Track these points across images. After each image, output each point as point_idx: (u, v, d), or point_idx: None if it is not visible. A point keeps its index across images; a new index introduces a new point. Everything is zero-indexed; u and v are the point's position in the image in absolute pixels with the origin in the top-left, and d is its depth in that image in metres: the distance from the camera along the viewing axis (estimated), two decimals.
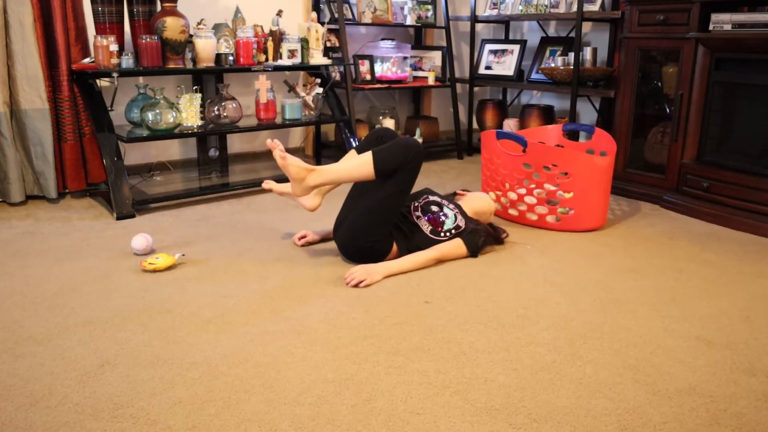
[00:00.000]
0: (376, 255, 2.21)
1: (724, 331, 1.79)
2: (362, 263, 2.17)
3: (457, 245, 2.28)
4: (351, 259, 2.25)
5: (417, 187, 2.32)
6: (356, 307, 1.90)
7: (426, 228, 2.30)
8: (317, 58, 3.48)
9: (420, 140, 4.15)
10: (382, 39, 4.25)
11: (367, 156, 2.09)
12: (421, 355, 1.62)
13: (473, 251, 2.31)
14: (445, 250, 2.26)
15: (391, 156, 2.09)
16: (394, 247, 2.25)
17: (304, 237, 2.47)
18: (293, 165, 2.09)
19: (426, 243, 2.27)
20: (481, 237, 2.34)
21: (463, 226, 2.35)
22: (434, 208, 2.35)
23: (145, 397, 1.42)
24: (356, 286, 2.04)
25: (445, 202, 2.40)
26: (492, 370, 1.56)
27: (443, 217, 2.33)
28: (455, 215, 2.36)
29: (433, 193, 2.46)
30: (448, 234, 2.31)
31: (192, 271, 2.18)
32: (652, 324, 1.83)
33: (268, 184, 2.39)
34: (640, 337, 1.74)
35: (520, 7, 4.13)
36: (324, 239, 2.52)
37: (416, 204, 2.36)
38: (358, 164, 2.11)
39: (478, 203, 2.51)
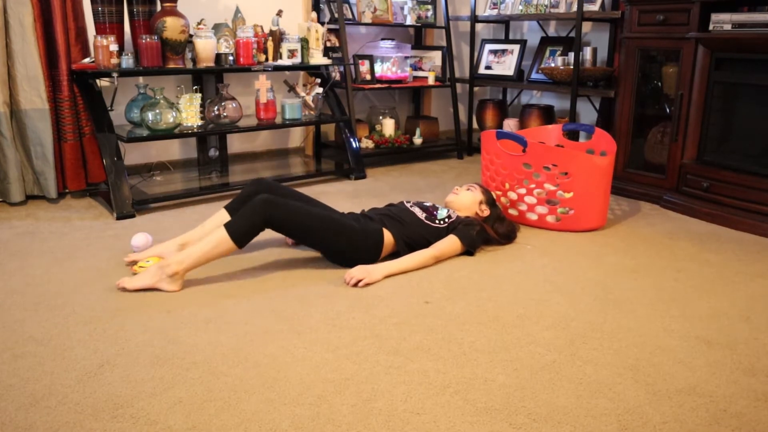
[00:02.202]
0: (370, 253, 2.20)
1: (724, 331, 1.79)
2: (367, 263, 2.17)
3: (453, 241, 2.28)
4: (349, 267, 2.24)
5: (417, 188, 2.32)
6: (356, 307, 1.90)
7: (420, 215, 2.32)
8: (317, 58, 3.48)
9: (420, 140, 4.15)
10: (382, 39, 4.24)
11: (221, 232, 2.01)
12: (421, 355, 1.62)
13: (469, 244, 2.31)
14: (442, 248, 2.26)
15: (244, 221, 2.02)
16: (388, 236, 2.23)
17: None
18: (158, 273, 1.99)
19: (422, 229, 2.28)
20: (476, 229, 2.34)
21: (454, 217, 2.36)
22: (426, 204, 2.41)
23: (145, 397, 1.42)
24: (355, 285, 2.04)
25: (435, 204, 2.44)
26: (492, 370, 1.56)
27: (435, 211, 2.36)
28: (447, 209, 2.40)
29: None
30: (442, 222, 2.32)
31: (192, 271, 2.18)
32: (652, 324, 1.83)
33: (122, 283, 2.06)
34: (640, 337, 1.74)
35: (520, 7, 4.13)
36: None
37: (409, 201, 2.43)
38: (214, 243, 2.00)
39: (462, 199, 2.49)
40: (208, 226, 2.27)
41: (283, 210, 2.05)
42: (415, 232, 2.27)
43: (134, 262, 2.19)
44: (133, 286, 1.99)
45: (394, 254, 2.25)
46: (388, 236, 2.23)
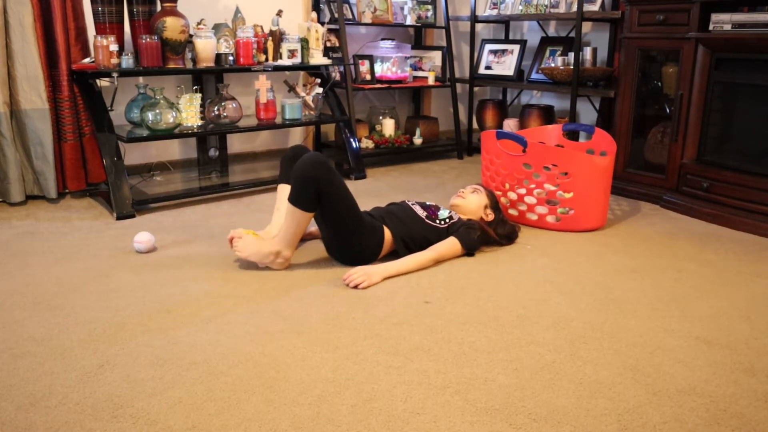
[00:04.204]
0: (371, 251, 2.21)
1: (724, 331, 1.79)
2: (360, 264, 2.17)
3: (453, 243, 2.28)
4: (349, 264, 2.24)
5: (417, 188, 2.32)
6: (356, 307, 1.90)
7: (421, 213, 2.32)
8: (317, 58, 3.48)
9: (420, 140, 4.15)
10: (382, 39, 4.25)
11: (288, 206, 2.09)
12: (421, 355, 1.62)
13: (469, 247, 2.31)
14: (441, 249, 2.26)
15: (300, 190, 2.05)
16: (388, 235, 2.24)
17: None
18: (259, 253, 2.14)
19: (423, 228, 2.28)
20: (477, 232, 2.34)
21: (456, 218, 2.36)
22: (428, 204, 2.41)
23: (145, 397, 1.42)
24: (355, 287, 2.04)
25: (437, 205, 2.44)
26: (492, 370, 1.56)
27: (437, 211, 2.36)
28: (448, 210, 2.40)
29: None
30: (443, 222, 2.32)
31: (192, 271, 2.18)
32: (652, 324, 1.83)
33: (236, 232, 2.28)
34: (640, 337, 1.74)
35: (520, 7, 4.13)
36: (313, 237, 2.53)
37: (410, 200, 2.44)
38: (289, 218, 2.11)
39: (470, 204, 2.49)
40: (280, 206, 2.37)
41: (327, 173, 2.06)
42: (415, 231, 2.27)
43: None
44: (243, 254, 2.15)
45: (392, 253, 2.25)
46: (387, 235, 2.24)
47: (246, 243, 2.16)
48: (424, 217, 2.31)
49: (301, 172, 2.05)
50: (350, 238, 2.18)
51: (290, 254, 2.19)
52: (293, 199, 2.07)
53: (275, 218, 2.40)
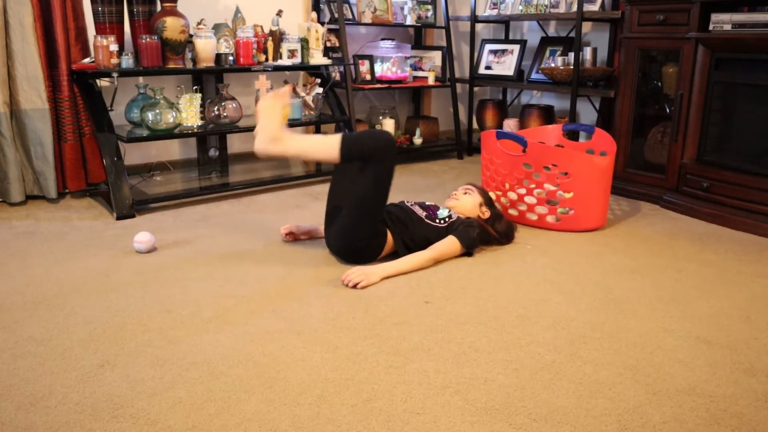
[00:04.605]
0: (372, 251, 2.22)
1: (724, 331, 1.79)
2: (359, 263, 2.17)
3: (452, 242, 2.28)
4: (347, 261, 2.25)
5: (417, 188, 2.32)
6: (356, 307, 1.90)
7: (421, 213, 2.32)
8: (317, 58, 3.48)
9: (420, 140, 4.15)
10: (382, 39, 4.25)
11: (336, 137, 2.08)
12: (421, 355, 1.62)
13: (468, 245, 2.31)
14: (440, 249, 2.25)
15: (358, 140, 2.07)
16: (389, 238, 2.25)
17: (290, 232, 2.48)
18: (268, 128, 2.08)
19: (424, 228, 2.28)
20: (476, 230, 2.34)
21: (455, 218, 2.36)
22: (427, 203, 2.41)
23: (145, 397, 1.42)
24: (353, 287, 2.04)
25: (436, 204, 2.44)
26: (492, 370, 1.56)
27: (436, 210, 2.36)
28: (447, 209, 2.39)
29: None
30: (442, 222, 2.32)
31: (192, 271, 2.18)
32: (652, 324, 1.83)
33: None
34: (640, 337, 1.74)
35: (520, 7, 4.13)
36: (311, 237, 2.53)
37: (409, 200, 2.43)
38: (323, 142, 2.09)
39: (464, 204, 2.49)
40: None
41: (390, 159, 2.09)
42: (417, 233, 2.27)
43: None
44: (260, 115, 2.12)
45: (392, 255, 2.25)
46: (389, 237, 2.24)
47: (269, 113, 2.11)
48: (423, 217, 2.31)
49: (377, 132, 2.07)
50: (358, 228, 2.16)
51: (285, 151, 2.09)
52: (347, 137, 2.06)
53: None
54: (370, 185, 2.12)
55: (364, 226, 2.18)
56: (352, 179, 2.16)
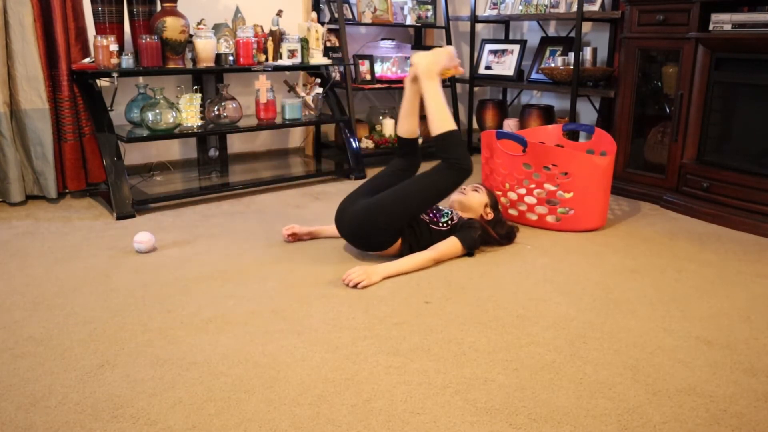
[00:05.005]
0: (380, 243, 2.24)
1: (724, 331, 1.79)
2: (361, 247, 2.20)
3: (453, 243, 2.28)
4: (352, 240, 2.26)
5: None
6: (356, 307, 1.90)
7: (425, 218, 2.33)
8: (317, 58, 3.48)
9: (420, 140, 4.14)
10: (382, 39, 4.25)
11: (450, 120, 2.28)
12: (421, 355, 1.62)
13: (469, 246, 2.31)
14: (441, 249, 2.25)
15: (459, 143, 2.26)
16: (399, 242, 2.26)
17: (291, 232, 2.48)
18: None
19: (428, 233, 2.29)
20: (477, 231, 2.34)
21: (456, 219, 2.36)
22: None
23: (145, 397, 1.42)
24: (354, 287, 2.04)
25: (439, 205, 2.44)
26: (492, 370, 1.56)
27: (438, 214, 2.36)
28: (450, 211, 2.39)
29: None
30: (444, 225, 2.33)
31: (192, 271, 2.18)
32: (652, 324, 1.83)
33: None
34: (640, 337, 1.74)
35: (520, 7, 4.13)
36: (313, 237, 2.53)
37: None
38: (444, 113, 2.26)
39: (471, 200, 2.49)
40: None
41: (466, 170, 2.24)
42: (422, 236, 2.28)
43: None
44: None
45: (393, 256, 2.25)
46: (399, 241, 2.27)
47: (444, 56, 2.34)
48: (428, 222, 2.31)
49: (468, 156, 2.24)
50: (387, 216, 2.18)
51: (428, 89, 2.29)
52: (457, 132, 2.26)
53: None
54: (426, 186, 2.21)
55: (393, 218, 2.19)
56: (407, 174, 2.32)
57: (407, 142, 2.43)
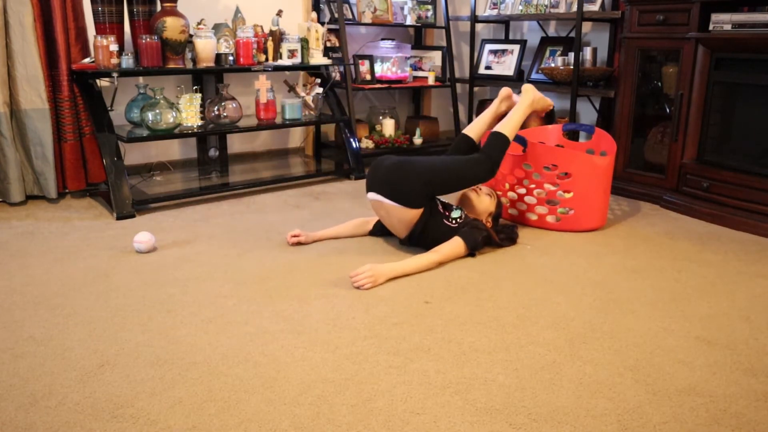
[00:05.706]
0: (407, 195, 2.26)
1: (724, 331, 1.79)
2: (389, 196, 2.26)
3: (456, 244, 2.28)
4: (380, 188, 2.29)
5: None
6: (356, 307, 1.90)
7: (439, 207, 2.37)
8: (317, 58, 3.48)
9: (420, 140, 4.15)
10: (382, 39, 4.25)
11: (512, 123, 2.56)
12: (421, 355, 1.62)
13: (472, 247, 2.31)
14: (445, 251, 2.26)
15: (505, 141, 2.48)
16: (416, 216, 2.30)
17: (296, 236, 2.47)
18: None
19: (441, 222, 2.33)
20: (482, 233, 2.34)
21: (464, 218, 2.37)
22: (443, 200, 2.45)
23: (145, 397, 1.42)
24: (359, 287, 2.04)
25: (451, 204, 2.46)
26: (492, 370, 1.56)
27: (449, 210, 2.39)
28: (460, 210, 2.41)
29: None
30: (454, 222, 2.35)
31: (192, 271, 2.18)
32: (652, 324, 1.83)
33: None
34: (640, 337, 1.74)
35: (520, 7, 4.13)
36: (314, 239, 2.52)
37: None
38: (513, 118, 2.58)
39: (481, 202, 2.50)
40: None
41: (485, 177, 2.43)
42: (436, 224, 2.32)
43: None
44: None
45: (407, 237, 2.34)
46: (417, 215, 2.30)
47: (538, 100, 2.68)
48: (442, 212, 2.37)
49: (497, 168, 2.45)
50: (416, 170, 2.27)
51: (523, 107, 2.65)
52: (507, 134, 2.49)
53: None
54: (456, 163, 2.39)
55: (421, 174, 2.27)
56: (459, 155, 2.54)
57: (470, 142, 2.64)
